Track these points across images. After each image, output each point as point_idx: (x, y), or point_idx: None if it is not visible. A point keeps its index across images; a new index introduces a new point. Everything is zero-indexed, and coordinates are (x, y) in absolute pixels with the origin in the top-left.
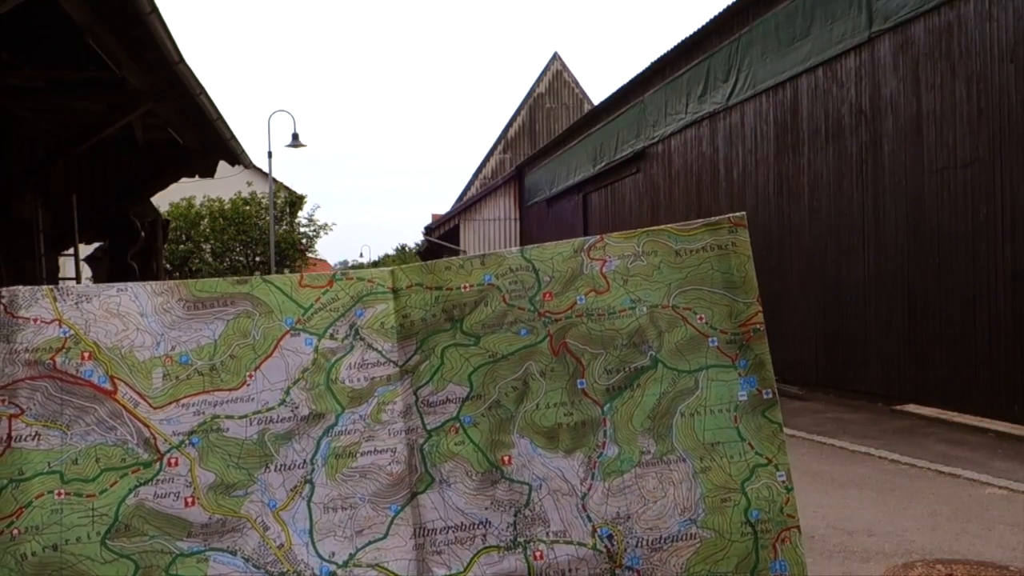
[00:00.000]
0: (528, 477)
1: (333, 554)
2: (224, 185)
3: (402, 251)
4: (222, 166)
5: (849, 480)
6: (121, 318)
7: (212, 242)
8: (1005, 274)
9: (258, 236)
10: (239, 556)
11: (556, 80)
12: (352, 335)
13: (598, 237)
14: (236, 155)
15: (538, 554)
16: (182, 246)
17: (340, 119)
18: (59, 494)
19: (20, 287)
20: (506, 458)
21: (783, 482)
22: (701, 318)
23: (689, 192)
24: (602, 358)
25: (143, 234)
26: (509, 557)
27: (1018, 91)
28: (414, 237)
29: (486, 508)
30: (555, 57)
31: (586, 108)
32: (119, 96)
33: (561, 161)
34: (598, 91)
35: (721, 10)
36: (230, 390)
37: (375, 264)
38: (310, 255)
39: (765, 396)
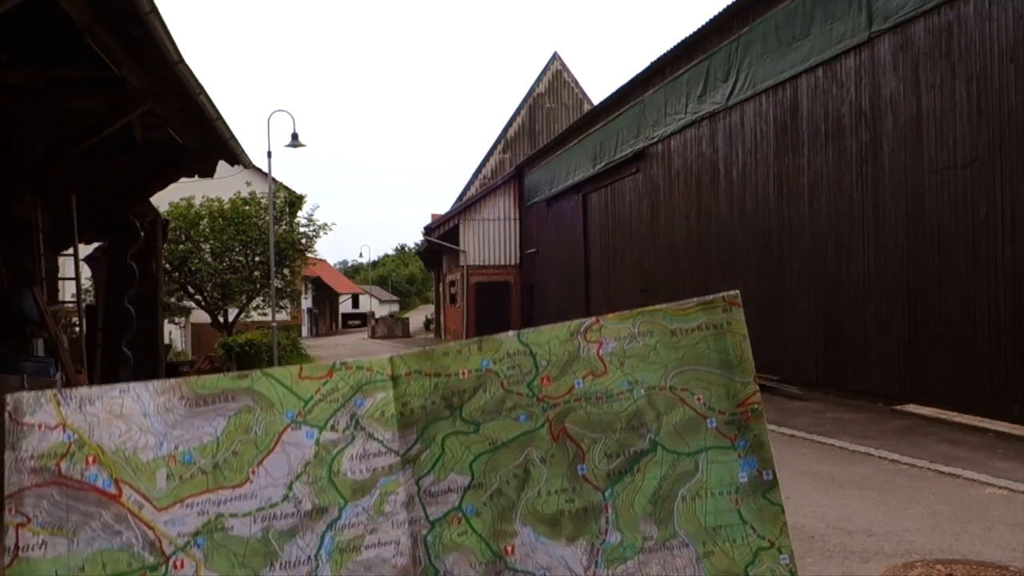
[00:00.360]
0: (532, 567)
1: None
2: (223, 185)
3: (402, 251)
4: (221, 166)
5: (849, 480)
6: (124, 419)
7: (211, 242)
8: (1005, 274)
9: (257, 236)
10: None
11: (556, 80)
12: (353, 426)
13: (594, 319)
14: (235, 155)
15: None
16: (181, 246)
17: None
18: None
19: (24, 392)
20: (509, 548)
21: (787, 565)
22: (699, 399)
23: (689, 192)
24: (602, 442)
25: (142, 234)
26: None
27: (1018, 91)
28: (414, 237)
29: None
30: (555, 57)
31: (586, 108)
32: (119, 96)
33: (561, 161)
34: (598, 91)
35: (721, 10)
36: (233, 487)
37: (375, 264)
38: (309, 255)
39: (766, 477)
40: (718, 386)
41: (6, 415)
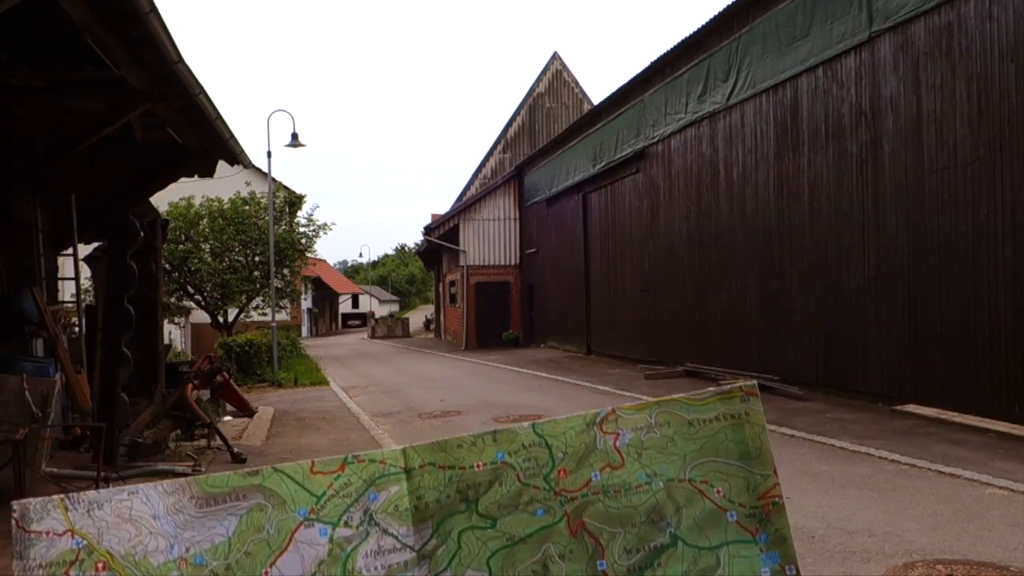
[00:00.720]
0: None
1: None
2: (223, 185)
3: (402, 251)
4: (221, 166)
5: (849, 480)
6: (134, 523)
7: (211, 242)
8: (1006, 274)
9: (257, 236)
10: None
11: (556, 80)
12: (367, 521)
13: (610, 410)
14: (235, 155)
15: None
16: (181, 246)
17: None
18: None
19: (30, 499)
20: None
21: None
22: (719, 491)
23: (689, 192)
24: (621, 537)
25: (142, 234)
26: None
27: (1018, 91)
28: (414, 237)
29: None
30: (555, 57)
31: (586, 108)
32: (118, 96)
33: (561, 161)
34: (598, 91)
35: (721, 10)
36: None
37: (375, 264)
38: (309, 255)
39: (789, 572)
40: (738, 478)
41: (12, 522)
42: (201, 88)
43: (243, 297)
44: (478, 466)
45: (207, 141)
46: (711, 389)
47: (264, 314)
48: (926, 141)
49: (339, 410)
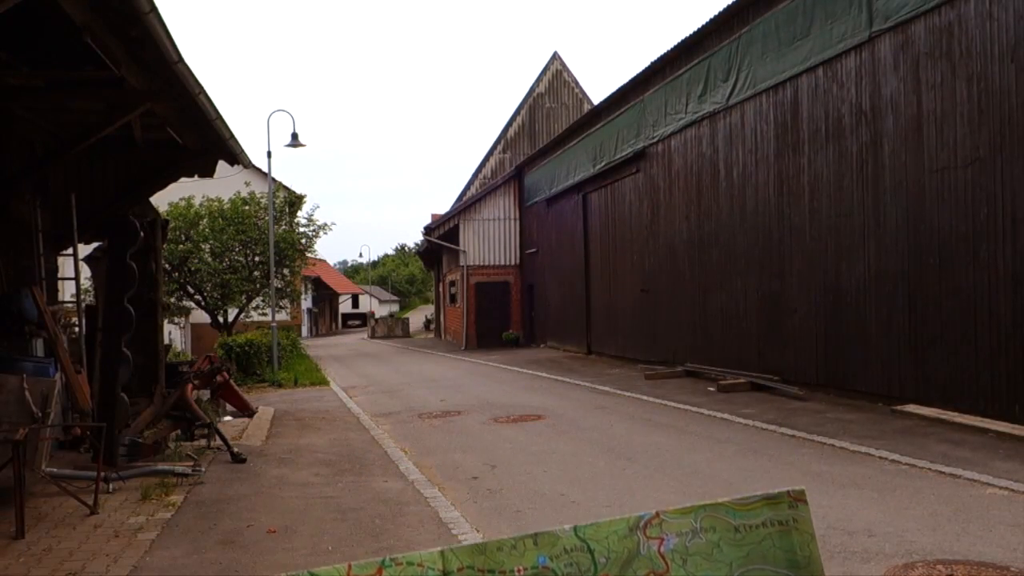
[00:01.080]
0: None
1: None
2: (223, 185)
3: (402, 251)
4: (221, 166)
5: (850, 480)
6: None
7: (211, 242)
8: (1006, 274)
9: (257, 236)
10: None
11: (556, 80)
12: None
13: (654, 513)
14: (235, 155)
15: None
16: (181, 246)
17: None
18: None
19: None
20: None
21: None
22: None
23: (689, 192)
24: None
25: (142, 234)
26: None
27: (1019, 91)
28: (414, 237)
29: None
30: (555, 57)
31: (586, 108)
32: (118, 95)
33: (561, 161)
34: (598, 91)
35: (721, 10)
36: None
37: (375, 264)
38: (309, 255)
39: None
40: None
41: None
42: (201, 88)
43: (243, 297)
44: (519, 571)
45: (207, 141)
46: (758, 494)
47: (264, 314)
48: (926, 141)
49: (339, 410)
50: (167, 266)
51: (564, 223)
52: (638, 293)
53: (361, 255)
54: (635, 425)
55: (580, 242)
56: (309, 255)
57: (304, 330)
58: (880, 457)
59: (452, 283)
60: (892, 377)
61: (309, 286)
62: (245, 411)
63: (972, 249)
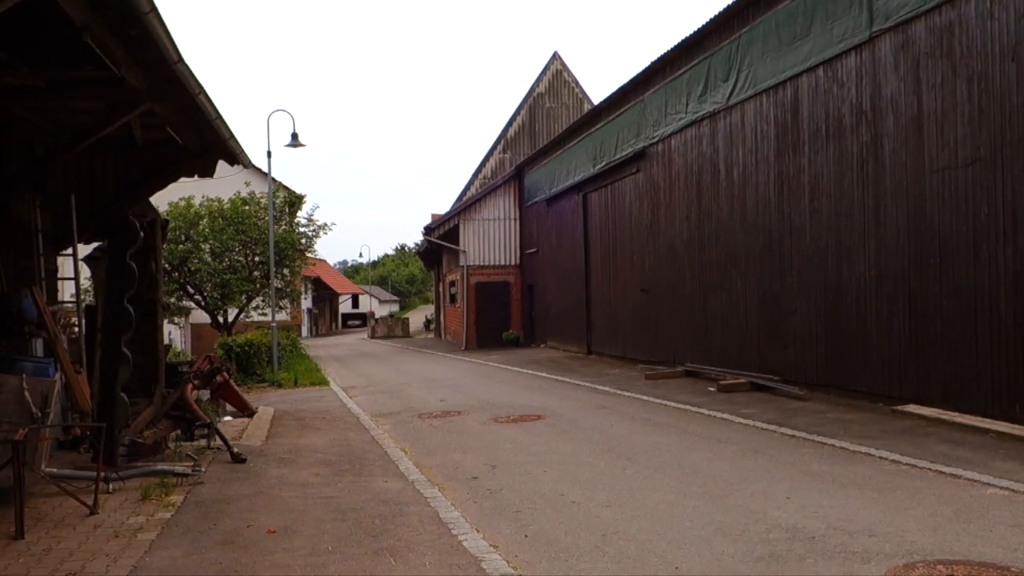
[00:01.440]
0: None
1: None
2: (223, 185)
3: (402, 251)
4: (221, 166)
5: (850, 480)
6: None
7: (211, 242)
8: (1006, 274)
9: (257, 236)
10: None
11: (556, 80)
12: None
13: None
14: (235, 155)
15: None
16: (181, 246)
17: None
18: None
19: None
20: None
21: None
22: None
23: (689, 192)
24: None
25: (142, 234)
26: None
27: (1019, 91)
28: (414, 237)
29: None
30: (555, 57)
31: (586, 108)
32: (118, 95)
33: (561, 161)
34: (598, 91)
35: (721, 10)
36: None
37: (375, 264)
38: (309, 255)
39: None
40: None
41: None
42: (201, 88)
43: (243, 297)
44: None
45: (207, 141)
46: None
47: (264, 314)
48: (927, 141)
49: (339, 410)
50: (167, 266)
51: (564, 223)
52: (638, 293)
53: (361, 255)
54: (635, 425)
55: (580, 242)
56: (309, 255)
57: (304, 330)
58: (880, 457)
59: (452, 283)
60: (892, 377)
61: (309, 286)
62: (245, 411)
63: (972, 249)
